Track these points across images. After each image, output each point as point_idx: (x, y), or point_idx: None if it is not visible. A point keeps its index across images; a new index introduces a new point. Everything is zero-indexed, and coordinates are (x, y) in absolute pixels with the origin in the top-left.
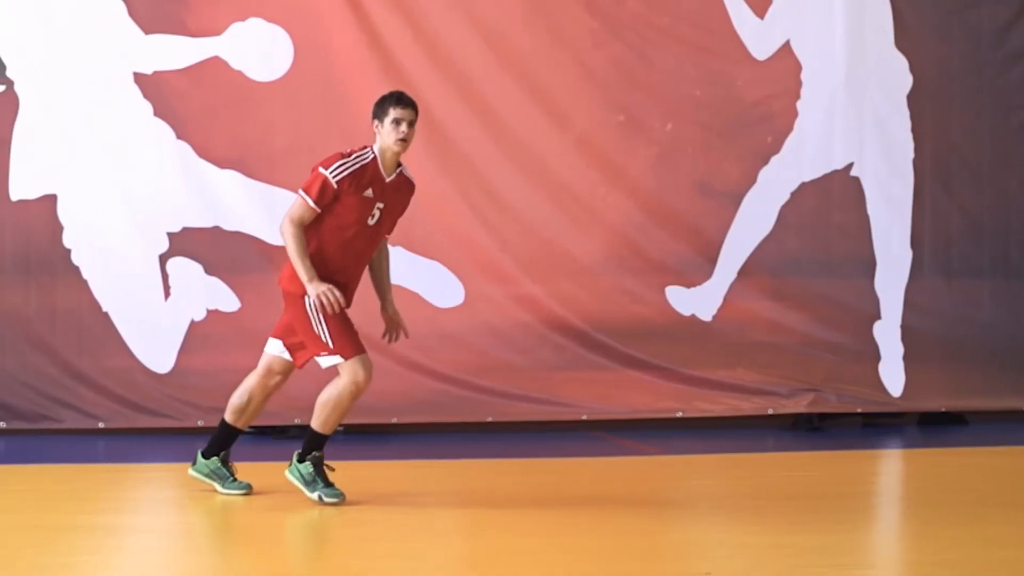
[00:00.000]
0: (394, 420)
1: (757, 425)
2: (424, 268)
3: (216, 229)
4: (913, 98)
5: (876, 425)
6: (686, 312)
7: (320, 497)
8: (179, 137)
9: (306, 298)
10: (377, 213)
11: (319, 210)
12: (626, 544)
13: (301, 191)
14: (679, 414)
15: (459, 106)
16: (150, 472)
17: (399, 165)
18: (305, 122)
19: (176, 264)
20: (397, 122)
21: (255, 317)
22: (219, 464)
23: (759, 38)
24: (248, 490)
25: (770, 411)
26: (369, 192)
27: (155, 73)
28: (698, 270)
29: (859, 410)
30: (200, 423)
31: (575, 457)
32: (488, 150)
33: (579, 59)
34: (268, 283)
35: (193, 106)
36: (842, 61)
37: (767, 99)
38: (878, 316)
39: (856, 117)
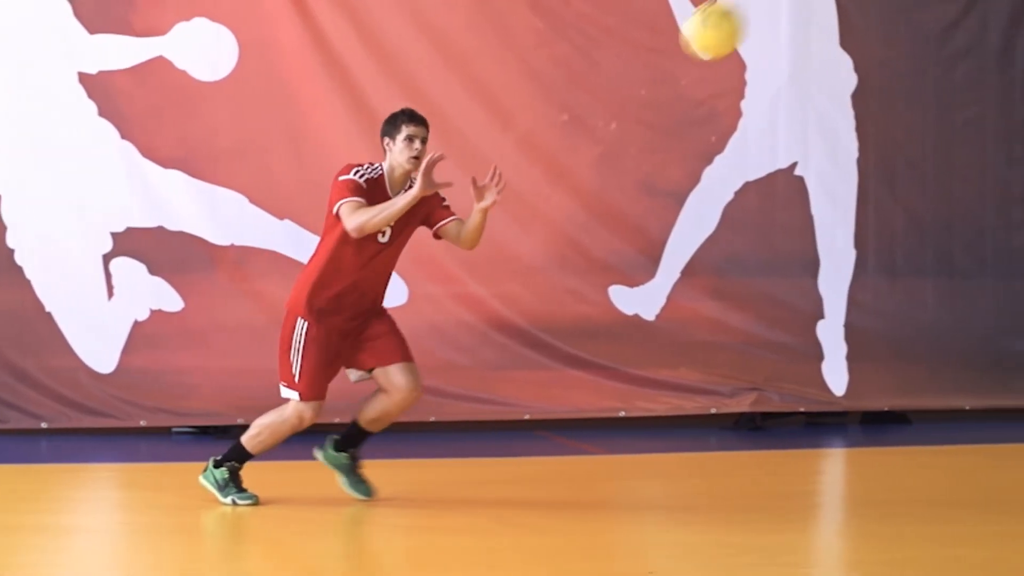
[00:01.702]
0: (336, 420)
1: (700, 424)
2: None
3: (160, 229)
4: (858, 98)
5: (819, 424)
6: (629, 311)
7: (233, 501)
8: (123, 137)
9: (296, 324)
10: (387, 230)
11: (364, 201)
12: (569, 543)
13: (340, 203)
14: (622, 413)
15: (402, 104)
16: (94, 472)
17: (409, 182)
18: (250, 122)
19: (120, 264)
20: (410, 139)
21: (198, 317)
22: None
23: None
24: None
25: (713, 410)
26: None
27: (100, 73)
28: (641, 269)
29: (802, 409)
30: (143, 423)
31: (517, 457)
32: (432, 149)
33: (523, 59)
34: (211, 283)
35: (138, 106)
36: (786, 61)
37: (711, 98)
38: (821, 315)
39: (800, 117)
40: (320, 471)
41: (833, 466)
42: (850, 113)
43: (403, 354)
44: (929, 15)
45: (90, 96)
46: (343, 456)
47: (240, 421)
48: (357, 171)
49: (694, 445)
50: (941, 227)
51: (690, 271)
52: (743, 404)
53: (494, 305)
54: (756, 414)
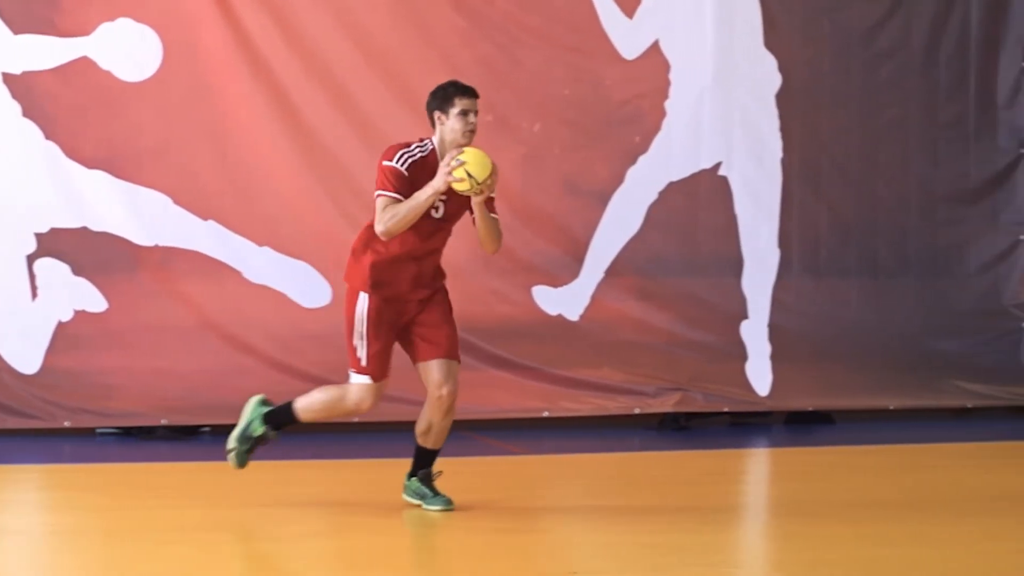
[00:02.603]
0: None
1: (624, 425)
2: (291, 268)
3: (84, 230)
4: (782, 97)
5: (743, 424)
6: (553, 311)
7: (236, 462)
8: (47, 137)
9: (358, 301)
10: (440, 206)
11: (403, 198)
12: (493, 543)
13: (377, 194)
14: (545, 414)
15: (327, 106)
16: (17, 473)
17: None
18: (174, 122)
19: (44, 265)
20: (465, 113)
21: (122, 318)
22: (419, 483)
23: (628, 37)
24: (449, 505)
25: (637, 410)
26: None
27: (24, 73)
28: (565, 269)
29: (726, 409)
30: (67, 424)
31: (441, 457)
32: (355, 149)
33: (447, 58)
34: (135, 283)
35: (62, 106)
36: (711, 61)
37: (635, 98)
38: (745, 315)
39: (724, 117)
40: (245, 471)
41: (757, 466)
42: (774, 113)
43: (442, 350)
44: (853, 15)
45: (14, 96)
46: (414, 485)
47: (164, 422)
48: (402, 155)
49: (618, 445)
50: (865, 227)
51: (614, 271)
52: (667, 404)
53: None
54: (680, 414)
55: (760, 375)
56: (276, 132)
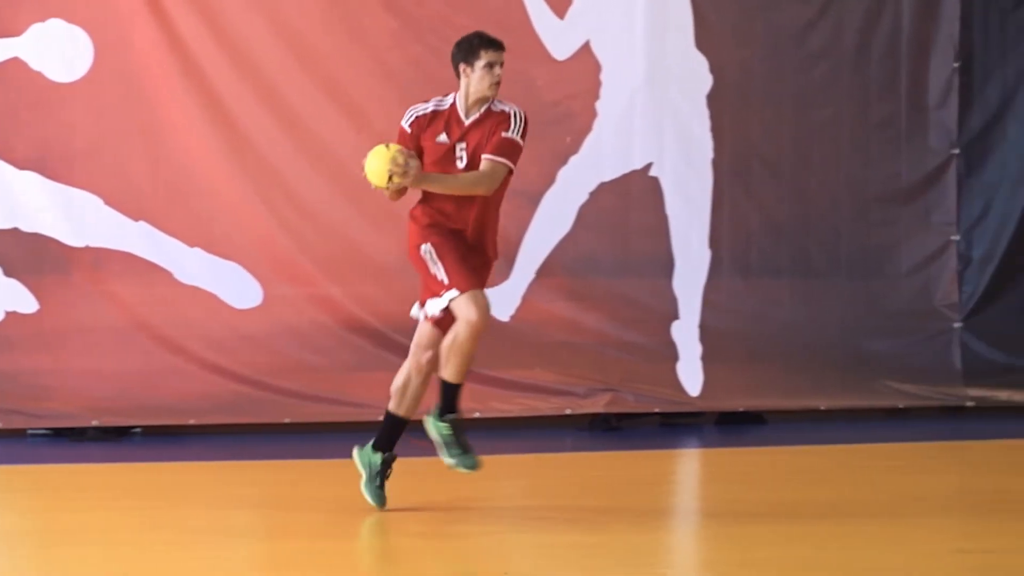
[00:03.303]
0: (192, 421)
1: (555, 425)
2: (222, 269)
3: (15, 231)
4: (713, 98)
5: (674, 425)
6: None
7: (453, 465)
8: None
9: (422, 248)
10: (463, 155)
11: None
12: (424, 545)
13: None
14: (476, 414)
15: (258, 106)
16: None
17: (486, 102)
18: (106, 123)
19: None
20: (490, 66)
21: (54, 319)
22: (380, 462)
23: (559, 38)
24: (384, 504)
25: (568, 411)
26: (443, 137)
27: None
28: (496, 270)
29: (657, 410)
30: None
31: None
32: (287, 150)
33: (378, 59)
34: (67, 285)
35: None
36: (642, 61)
37: (566, 99)
38: (676, 316)
39: (655, 117)
40: (179, 472)
41: (688, 466)
42: (706, 113)
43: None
44: (785, 16)
45: None
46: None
47: (95, 423)
48: (410, 112)
49: (549, 446)
50: (797, 227)
51: (545, 272)
52: (598, 405)
53: (349, 306)
54: (611, 415)
55: (691, 375)
56: (208, 133)
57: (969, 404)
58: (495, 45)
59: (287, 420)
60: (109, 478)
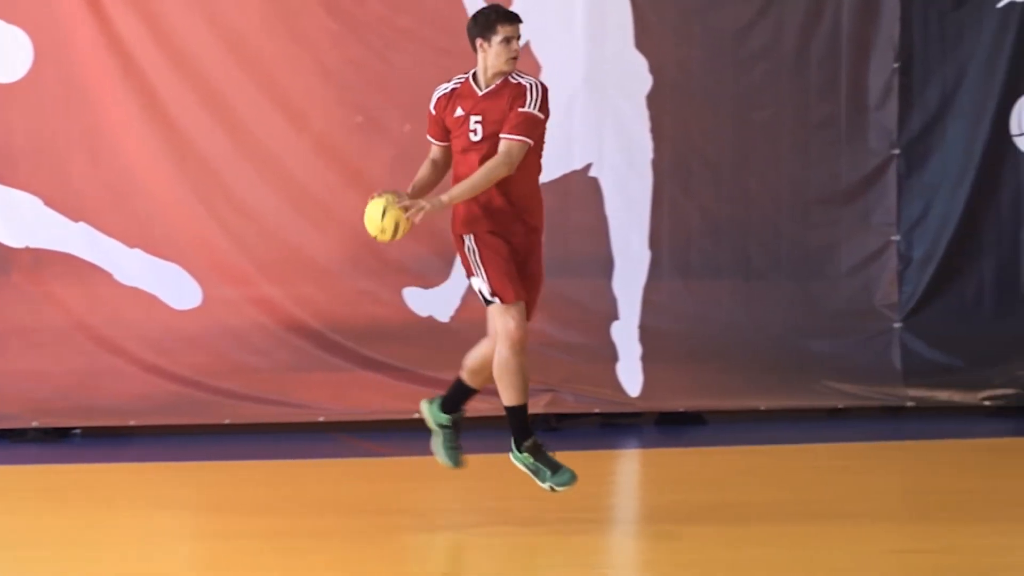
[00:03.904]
0: (132, 422)
1: (494, 426)
2: (162, 270)
3: None
4: (653, 98)
5: (614, 425)
6: (423, 313)
7: (551, 488)
8: None
9: (465, 242)
10: (478, 128)
11: (435, 141)
12: (362, 546)
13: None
14: (416, 415)
15: (198, 107)
16: None
17: (503, 76)
18: (46, 124)
19: None
20: (508, 41)
21: None
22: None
23: None
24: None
25: None
26: (459, 111)
27: None
28: (435, 271)
29: (597, 410)
30: None
31: (313, 459)
32: (226, 151)
33: (318, 60)
34: (6, 285)
35: None
36: (582, 62)
37: None
38: (616, 316)
39: (595, 118)
40: (119, 473)
41: (628, 467)
42: (645, 114)
43: (528, 293)
44: (725, 16)
45: None
46: (445, 418)
47: (35, 424)
48: (434, 96)
49: (488, 446)
50: (737, 228)
51: None
52: (538, 405)
53: (289, 307)
54: (551, 415)
55: (631, 376)
56: (148, 134)
57: (909, 404)
58: (512, 19)
59: (227, 421)
60: (49, 479)
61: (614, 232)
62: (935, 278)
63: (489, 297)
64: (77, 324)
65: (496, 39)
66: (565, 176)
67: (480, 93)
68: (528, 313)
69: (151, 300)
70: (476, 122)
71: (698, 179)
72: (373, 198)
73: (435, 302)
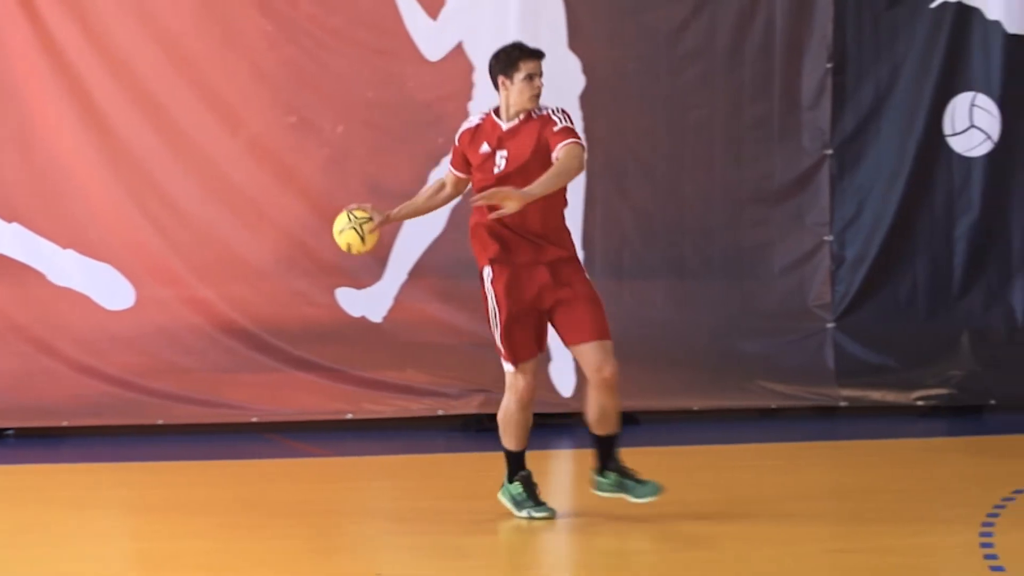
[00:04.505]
0: (65, 423)
1: (427, 426)
2: (95, 270)
3: None
4: (586, 99)
5: (547, 425)
6: (356, 313)
7: (529, 515)
8: None
9: (484, 278)
10: (502, 162)
11: (456, 171)
12: (297, 546)
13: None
14: (349, 415)
15: (131, 108)
16: None
17: (525, 112)
18: None
19: None
20: (530, 78)
21: None
22: (618, 477)
23: (432, 39)
24: (656, 492)
25: (440, 412)
26: (484, 147)
27: None
28: (368, 272)
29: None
30: None
31: (246, 459)
32: (160, 152)
33: (252, 61)
34: None
35: None
36: None
37: (439, 100)
38: None
39: None
40: (52, 474)
41: (562, 466)
42: (578, 114)
43: (591, 332)
44: (658, 16)
45: None
46: (611, 477)
47: None
48: (459, 130)
49: (422, 447)
50: (670, 228)
51: (417, 273)
52: (470, 405)
53: (222, 308)
54: (484, 415)
55: (564, 376)
56: (81, 135)
57: (842, 404)
58: (535, 55)
59: (160, 421)
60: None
61: None
62: (868, 278)
63: (503, 361)
64: (9, 325)
65: (519, 76)
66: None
67: (504, 128)
68: (601, 332)
69: (84, 301)
70: (501, 156)
71: (631, 179)
72: (343, 212)
73: (368, 303)
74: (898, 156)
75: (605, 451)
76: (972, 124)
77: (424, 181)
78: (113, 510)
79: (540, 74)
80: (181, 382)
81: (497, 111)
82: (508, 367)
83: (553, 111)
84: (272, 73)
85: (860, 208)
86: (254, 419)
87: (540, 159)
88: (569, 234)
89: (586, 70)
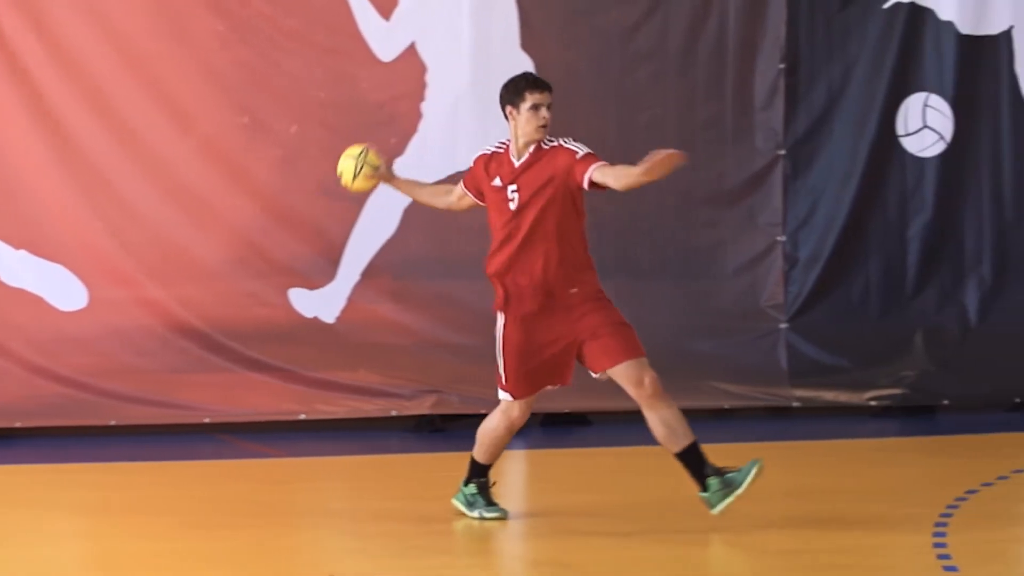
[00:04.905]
0: (17, 424)
1: (381, 427)
2: (47, 271)
3: None
4: None
5: None
6: (309, 314)
7: (480, 515)
8: None
9: (497, 322)
10: (515, 197)
11: (466, 191)
12: (250, 546)
13: None
14: (302, 416)
15: (83, 108)
16: None
17: (534, 144)
18: None
19: None
20: (536, 108)
21: None
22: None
23: (384, 40)
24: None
25: (393, 412)
26: (497, 181)
27: None
28: (321, 272)
29: (483, 411)
30: None
31: (199, 460)
32: (112, 153)
33: (204, 61)
34: None
35: None
36: (467, 63)
37: (392, 101)
38: None
39: (480, 119)
40: (4, 475)
41: (514, 467)
42: None
43: (620, 353)
44: (611, 18)
45: None
46: (714, 484)
47: None
48: (477, 155)
49: (375, 447)
50: (623, 228)
51: (370, 273)
52: (423, 406)
53: (175, 308)
54: (436, 416)
55: None
56: (33, 135)
57: (795, 404)
58: (541, 86)
59: (113, 422)
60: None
61: None
62: (821, 278)
63: (501, 392)
64: None
65: (525, 106)
66: (451, 177)
67: (516, 164)
68: (630, 351)
69: (37, 301)
70: (513, 191)
71: None
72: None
73: (321, 303)
74: (851, 156)
75: (694, 464)
76: (925, 124)
77: None
78: (66, 511)
79: (547, 105)
80: (134, 383)
81: (510, 144)
82: (507, 398)
83: (565, 141)
84: (225, 73)
85: (813, 208)
86: (207, 420)
87: (555, 189)
88: (590, 267)
89: (539, 70)
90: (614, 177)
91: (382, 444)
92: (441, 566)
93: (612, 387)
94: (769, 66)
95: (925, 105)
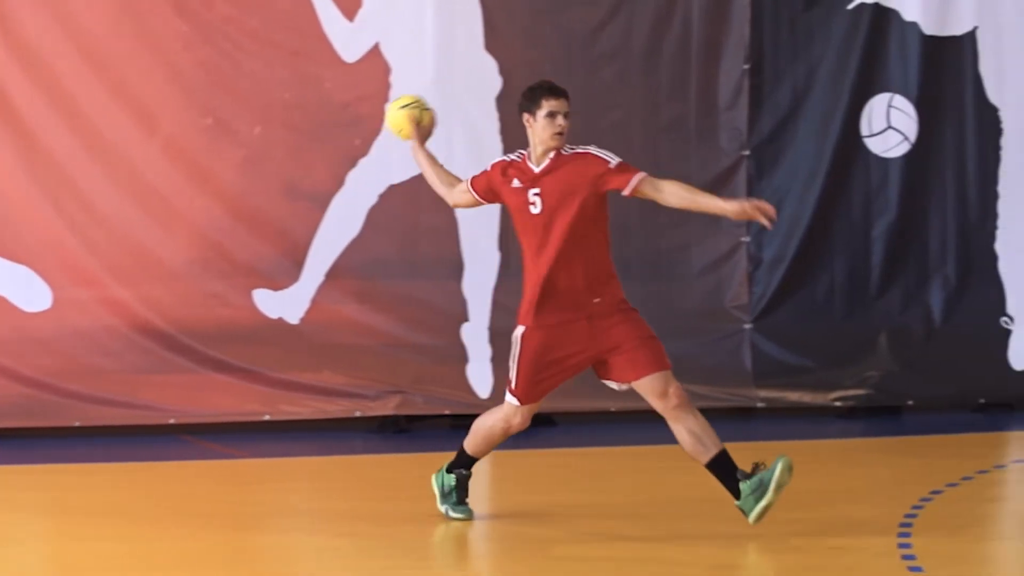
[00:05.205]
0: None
1: (345, 428)
2: (10, 271)
3: None
4: (503, 100)
5: (464, 427)
6: (273, 315)
7: (447, 511)
8: None
9: (515, 331)
10: (536, 201)
11: (473, 191)
12: (214, 548)
13: None
14: (266, 417)
15: (47, 108)
16: None
17: (552, 151)
18: None
19: None
20: (552, 115)
21: None
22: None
23: (348, 40)
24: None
25: (357, 413)
26: (516, 183)
27: None
28: (285, 273)
29: (447, 412)
30: None
31: (162, 461)
32: (75, 152)
33: (168, 62)
34: None
35: None
36: (431, 64)
37: (356, 101)
38: (466, 318)
39: (445, 119)
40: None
41: (478, 468)
42: (495, 115)
43: (644, 367)
44: (575, 18)
45: None
46: (746, 487)
47: None
48: (497, 159)
49: (339, 448)
50: None
51: (334, 274)
52: (388, 407)
53: (138, 309)
54: (401, 416)
55: (481, 377)
56: None
57: (759, 405)
58: (556, 93)
59: (77, 423)
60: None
61: (464, 234)
62: (786, 279)
63: (509, 395)
64: None
65: (541, 113)
66: (415, 178)
67: (536, 170)
68: (654, 364)
69: (1, 302)
70: (535, 195)
71: None
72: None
73: (285, 304)
74: (815, 157)
75: (725, 473)
76: (889, 125)
77: (341, 182)
78: (29, 513)
79: (564, 113)
80: (98, 384)
81: (526, 154)
82: (513, 402)
83: (591, 148)
84: (188, 74)
85: (777, 209)
86: (171, 421)
87: (583, 197)
88: (613, 276)
89: (503, 71)
90: (672, 194)
91: (346, 445)
92: (407, 567)
93: (579, 388)
94: (733, 66)
95: (889, 106)
